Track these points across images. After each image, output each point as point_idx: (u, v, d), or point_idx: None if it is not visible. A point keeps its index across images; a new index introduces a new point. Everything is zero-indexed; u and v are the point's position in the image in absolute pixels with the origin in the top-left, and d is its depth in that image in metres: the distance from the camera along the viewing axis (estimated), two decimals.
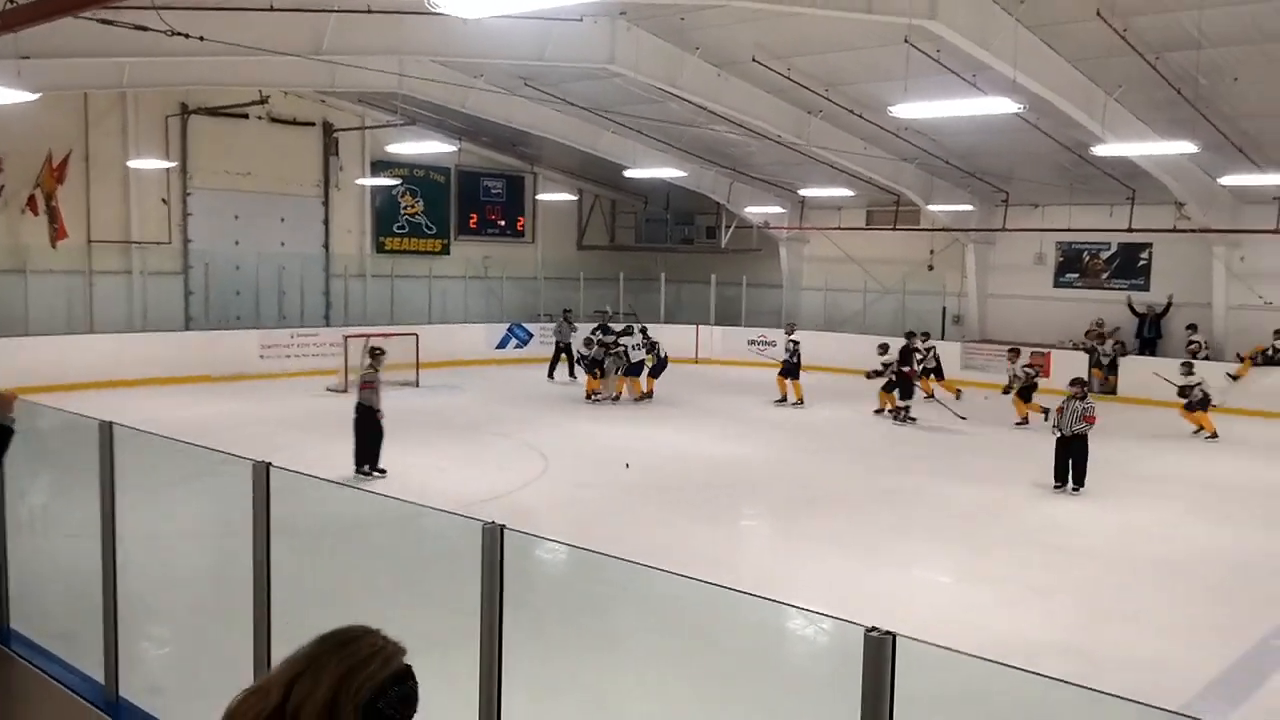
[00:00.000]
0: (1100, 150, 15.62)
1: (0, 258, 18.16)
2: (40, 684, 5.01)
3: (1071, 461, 12.27)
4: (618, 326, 20.96)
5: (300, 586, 4.84)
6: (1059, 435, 12.40)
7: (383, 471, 11.85)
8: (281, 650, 4.10)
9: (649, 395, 19.18)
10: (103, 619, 4.68)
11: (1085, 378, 14.38)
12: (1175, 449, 15.80)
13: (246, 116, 21.13)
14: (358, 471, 11.74)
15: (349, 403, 17.65)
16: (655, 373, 19.36)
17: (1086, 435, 12.26)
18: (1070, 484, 12.28)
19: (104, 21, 8.63)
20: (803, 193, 24.02)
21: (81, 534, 5.64)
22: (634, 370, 19.10)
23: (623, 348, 19.07)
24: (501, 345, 24.46)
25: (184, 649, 6.55)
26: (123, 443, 4.79)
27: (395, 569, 6.74)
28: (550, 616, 5.22)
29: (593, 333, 20.00)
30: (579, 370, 20.24)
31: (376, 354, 12.56)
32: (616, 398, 18.97)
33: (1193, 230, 19.70)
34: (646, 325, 21.25)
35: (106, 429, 4.54)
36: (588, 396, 18.89)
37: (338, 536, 6.30)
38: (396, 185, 24.37)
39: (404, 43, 14.66)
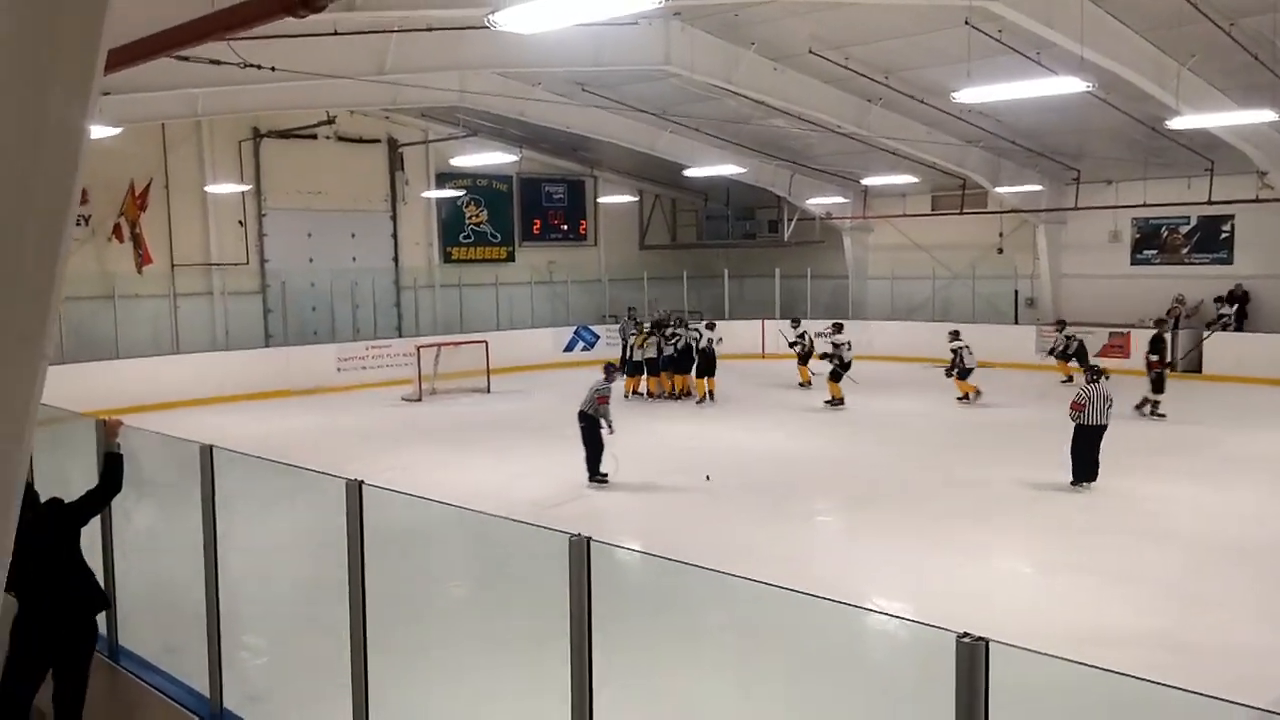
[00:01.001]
0: (1175, 123, 15.18)
1: (90, 285, 18.86)
2: (149, 698, 5.24)
3: (1091, 454, 11.29)
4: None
5: (391, 595, 4.99)
6: (1079, 425, 11.36)
7: (604, 478, 12.05)
8: (376, 658, 4.25)
9: (685, 392, 18.83)
10: (207, 636, 4.88)
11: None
12: (1264, 428, 15.29)
13: (315, 137, 21.68)
14: (592, 480, 12.01)
15: (425, 411, 18.20)
16: (684, 368, 18.88)
17: (1106, 426, 11.36)
18: (1086, 481, 11.31)
19: (180, 58, 8.98)
20: (865, 182, 23.77)
21: (180, 549, 5.89)
22: (665, 366, 18.84)
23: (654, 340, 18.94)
24: (569, 348, 24.66)
25: (279, 658, 6.77)
26: (221, 462, 5.00)
27: (479, 577, 6.88)
28: (631, 619, 5.29)
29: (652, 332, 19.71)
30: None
31: (611, 370, 12.98)
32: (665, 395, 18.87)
33: (1277, 199, 19.03)
34: (681, 318, 20.72)
35: (207, 452, 4.74)
36: (642, 395, 19.01)
37: (425, 546, 6.47)
38: (461, 196, 24.75)
39: (463, 58, 14.90)
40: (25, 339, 1.38)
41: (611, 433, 12.09)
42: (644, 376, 19.10)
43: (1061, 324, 20.28)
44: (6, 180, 1.34)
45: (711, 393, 18.62)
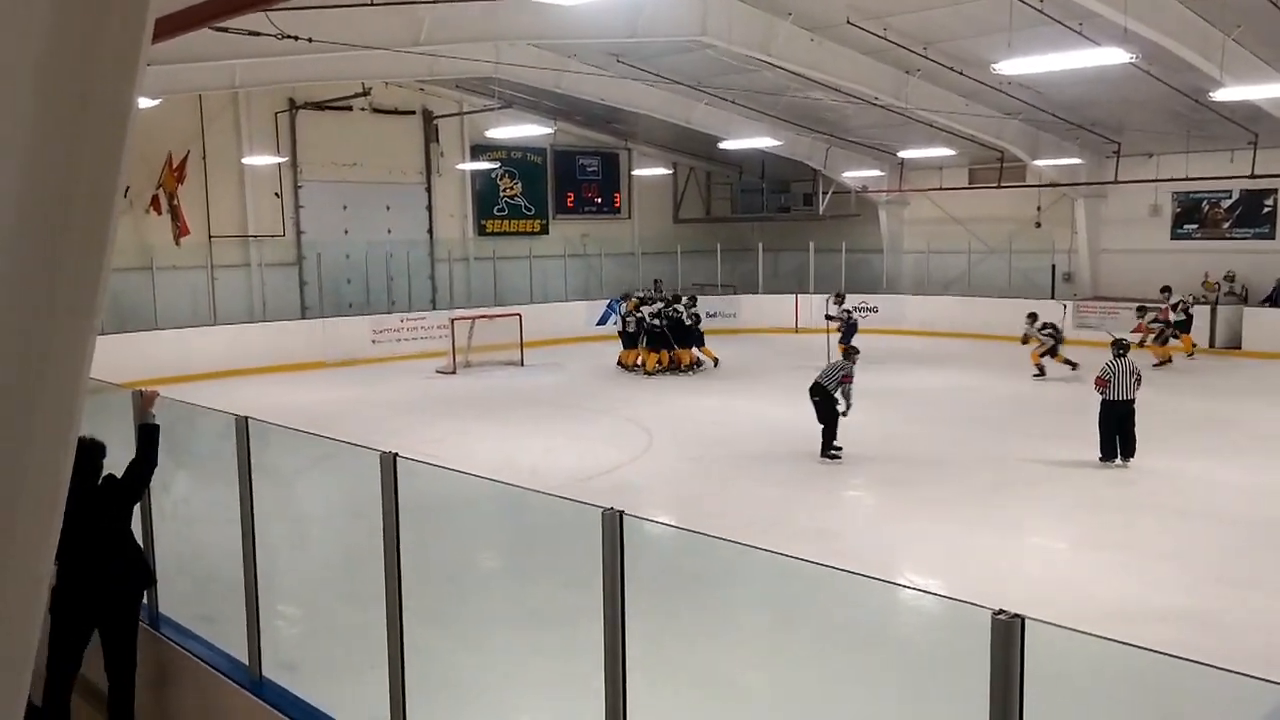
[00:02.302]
0: (1219, 95, 14.84)
1: (128, 256, 19.12)
2: (189, 665, 5.35)
3: (1122, 429, 11.18)
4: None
5: (425, 565, 5.05)
6: (1106, 400, 11.19)
7: (838, 453, 12.14)
8: (412, 627, 4.31)
9: (676, 364, 18.79)
10: (246, 606, 4.96)
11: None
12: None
13: (350, 109, 21.75)
14: (824, 456, 12.11)
15: (459, 383, 18.32)
16: (683, 341, 18.89)
17: (1134, 400, 11.21)
18: (1119, 457, 11.19)
19: (218, 29, 9.03)
20: (902, 154, 23.48)
21: (217, 519, 5.99)
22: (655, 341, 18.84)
23: (640, 316, 18.96)
24: (601, 322, 24.67)
25: (315, 626, 6.89)
26: (255, 433, 5.07)
27: (512, 549, 6.95)
28: (664, 592, 5.32)
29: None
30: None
31: (853, 352, 13.44)
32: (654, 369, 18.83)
33: None
34: (678, 294, 20.69)
35: (243, 424, 4.80)
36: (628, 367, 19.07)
37: (458, 517, 6.53)
38: (495, 168, 24.76)
39: (499, 29, 14.87)
40: (75, 313, 1.39)
41: (845, 414, 12.06)
42: (642, 349, 19.06)
43: (1033, 316, 18.23)
44: (55, 155, 1.35)
45: (698, 361, 18.88)
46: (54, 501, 1.38)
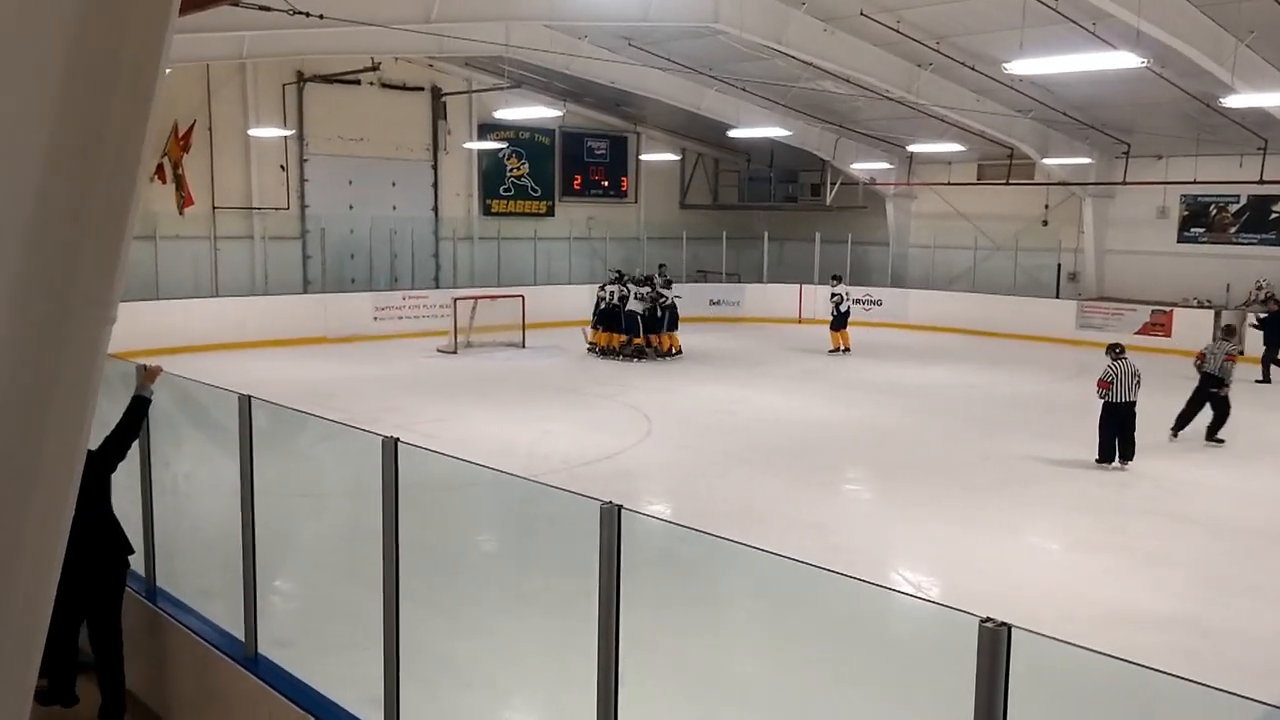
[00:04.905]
0: (1231, 101, 14.81)
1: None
2: (186, 640, 5.38)
3: (1123, 432, 11.27)
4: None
5: (422, 546, 5.07)
6: (1108, 402, 11.29)
7: (1222, 440, 12.41)
8: (409, 608, 4.34)
9: (651, 349, 18.86)
10: (243, 584, 4.98)
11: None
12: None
13: (359, 83, 21.67)
14: (1210, 440, 12.41)
15: (460, 364, 18.34)
16: (653, 327, 18.97)
17: (1135, 403, 11.29)
18: (1118, 460, 11.27)
19: (231, 3, 8.99)
20: (911, 148, 23.43)
21: (216, 494, 6.01)
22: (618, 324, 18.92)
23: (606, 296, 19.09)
24: None
25: (310, 604, 6.92)
26: (257, 409, 5.08)
27: (510, 534, 6.98)
28: (657, 581, 5.35)
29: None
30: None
31: (1230, 330, 13.80)
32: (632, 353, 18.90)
33: None
34: (660, 276, 20.64)
35: (246, 403, 4.82)
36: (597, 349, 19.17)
37: (456, 497, 6.56)
38: (503, 148, 24.69)
39: (510, 9, 14.81)
40: (92, 304, 1.40)
41: (1224, 392, 12.34)
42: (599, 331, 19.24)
43: (837, 278, 20.82)
44: (80, 129, 1.34)
45: (676, 348, 18.99)
46: (66, 494, 1.39)
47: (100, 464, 5.22)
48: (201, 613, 5.53)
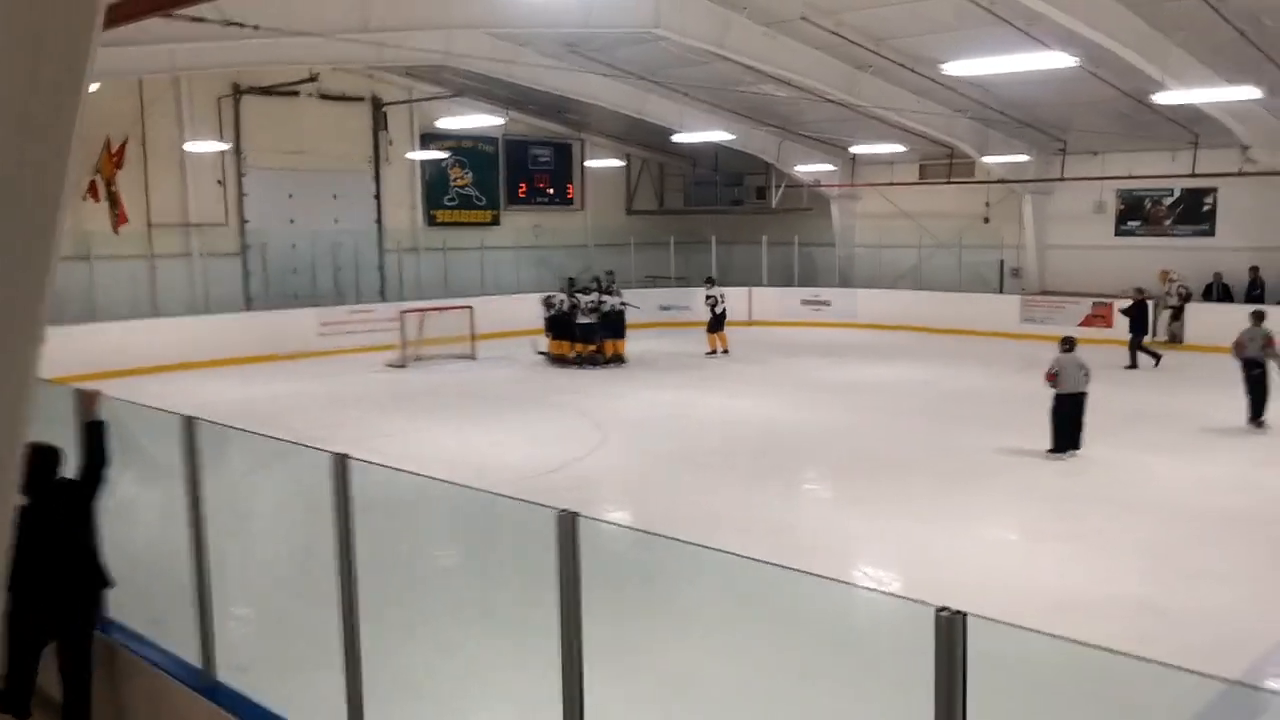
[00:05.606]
0: (1162, 98, 15.17)
1: (64, 245, 18.54)
2: (142, 670, 5.22)
3: (1073, 422, 11.43)
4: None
5: (378, 564, 4.98)
6: (1058, 393, 11.47)
7: (1264, 423, 12.61)
8: (368, 626, 4.24)
9: (600, 355, 18.89)
10: (198, 609, 4.85)
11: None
12: (1244, 399, 15.39)
13: (297, 94, 21.33)
14: (1251, 422, 12.62)
15: (410, 378, 18.11)
16: (599, 333, 19.02)
17: (1085, 393, 11.50)
18: (1070, 449, 11.45)
19: (163, 15, 8.78)
20: (854, 149, 23.70)
21: (164, 520, 5.84)
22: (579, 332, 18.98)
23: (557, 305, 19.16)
24: None
25: (267, 627, 6.77)
26: (202, 432, 4.95)
27: (467, 547, 6.88)
28: (617, 589, 5.31)
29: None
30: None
31: (1261, 315, 13.44)
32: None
33: (1259, 173, 19.11)
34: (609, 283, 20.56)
35: (188, 424, 4.69)
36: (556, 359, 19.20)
37: (413, 516, 6.45)
38: (445, 158, 24.48)
39: (451, 16, 14.68)
40: (20, 320, 1.33)
41: (1258, 373, 12.59)
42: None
43: (711, 280, 20.79)
44: (1, 146, 1.28)
45: (619, 355, 19.01)
46: (1, 515, 1.32)
47: (80, 493, 5.10)
48: (157, 642, 5.38)
